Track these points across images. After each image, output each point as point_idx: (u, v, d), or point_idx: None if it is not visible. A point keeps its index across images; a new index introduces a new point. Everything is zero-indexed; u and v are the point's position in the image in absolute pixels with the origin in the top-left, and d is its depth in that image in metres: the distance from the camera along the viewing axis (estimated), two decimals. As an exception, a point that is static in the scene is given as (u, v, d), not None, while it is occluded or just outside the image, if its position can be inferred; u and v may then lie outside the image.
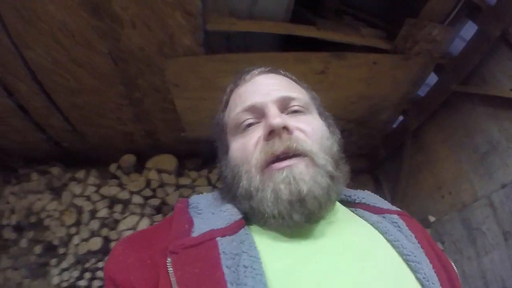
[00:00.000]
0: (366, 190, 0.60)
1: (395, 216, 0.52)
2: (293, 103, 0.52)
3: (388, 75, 1.86)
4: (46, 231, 2.10)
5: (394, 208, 0.56)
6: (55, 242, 2.07)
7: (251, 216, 0.47)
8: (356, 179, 2.59)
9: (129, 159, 2.32)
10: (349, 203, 0.56)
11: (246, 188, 0.46)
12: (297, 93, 0.54)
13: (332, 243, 0.44)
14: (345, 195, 0.57)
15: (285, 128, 0.46)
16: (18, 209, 2.14)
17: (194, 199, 0.52)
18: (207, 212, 0.47)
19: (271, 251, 0.42)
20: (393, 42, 1.74)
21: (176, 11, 1.40)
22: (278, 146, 0.45)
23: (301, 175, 0.44)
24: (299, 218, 0.43)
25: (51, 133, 2.16)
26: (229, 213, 0.45)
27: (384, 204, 0.57)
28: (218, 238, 0.39)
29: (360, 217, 0.52)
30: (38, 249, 2.07)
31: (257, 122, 0.50)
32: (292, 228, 0.44)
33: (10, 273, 2.06)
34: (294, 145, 0.45)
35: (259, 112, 0.50)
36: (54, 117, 1.99)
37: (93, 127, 2.13)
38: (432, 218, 2.11)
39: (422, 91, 2.17)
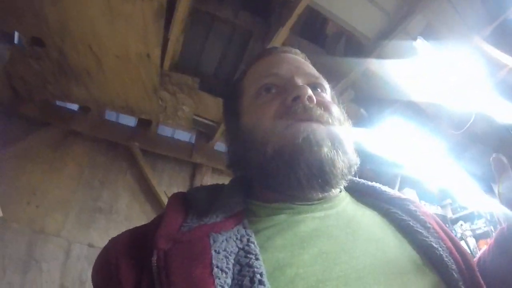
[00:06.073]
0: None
1: (407, 202, 0.50)
2: (317, 81, 0.52)
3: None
4: None
5: (404, 195, 0.53)
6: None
7: (256, 195, 0.46)
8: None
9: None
10: (355, 192, 0.53)
11: (259, 148, 0.44)
12: (320, 75, 0.54)
13: (339, 234, 0.41)
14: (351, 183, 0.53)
15: (310, 98, 0.46)
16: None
17: (192, 191, 0.48)
18: (204, 204, 0.43)
19: (273, 246, 0.38)
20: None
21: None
22: (302, 111, 0.44)
23: (323, 138, 0.43)
24: (316, 184, 0.42)
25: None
26: (228, 205, 0.42)
27: (393, 191, 0.54)
28: (211, 234, 0.36)
29: (366, 205, 0.50)
30: None
31: (278, 91, 0.48)
32: (299, 208, 0.43)
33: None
34: (318, 112, 0.45)
35: (283, 81, 0.49)
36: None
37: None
38: None
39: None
